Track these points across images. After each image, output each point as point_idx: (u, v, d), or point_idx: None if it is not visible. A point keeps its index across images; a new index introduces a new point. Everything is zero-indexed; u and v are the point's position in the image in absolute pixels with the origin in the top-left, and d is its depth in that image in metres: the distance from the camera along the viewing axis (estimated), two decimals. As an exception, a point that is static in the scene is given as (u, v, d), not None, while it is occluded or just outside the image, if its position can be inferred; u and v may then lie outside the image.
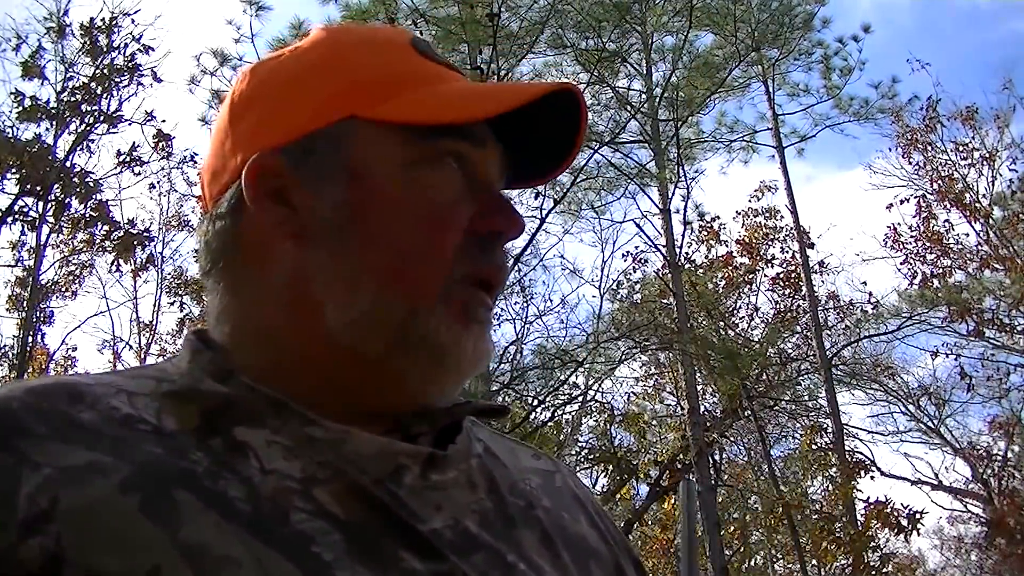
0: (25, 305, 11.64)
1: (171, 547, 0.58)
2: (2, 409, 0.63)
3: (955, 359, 16.42)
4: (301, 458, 0.66)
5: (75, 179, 11.50)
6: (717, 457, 12.75)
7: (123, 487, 0.60)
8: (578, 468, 12.64)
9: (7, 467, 0.60)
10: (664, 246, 11.97)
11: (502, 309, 12.57)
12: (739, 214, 16.17)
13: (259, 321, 0.73)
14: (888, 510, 11.99)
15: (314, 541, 0.61)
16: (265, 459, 0.65)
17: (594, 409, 12.76)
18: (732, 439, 14.53)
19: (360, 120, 0.73)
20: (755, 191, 16.23)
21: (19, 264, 11.97)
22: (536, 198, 10.26)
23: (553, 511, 0.76)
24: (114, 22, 11.83)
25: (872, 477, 14.98)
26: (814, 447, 14.26)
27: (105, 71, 11.73)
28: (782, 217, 15.91)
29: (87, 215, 11.88)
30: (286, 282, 0.72)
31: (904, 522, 11.94)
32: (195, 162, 14.76)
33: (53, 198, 11.31)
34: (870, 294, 16.39)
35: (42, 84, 11.63)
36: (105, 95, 11.74)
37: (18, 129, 11.20)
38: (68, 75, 11.70)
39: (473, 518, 0.69)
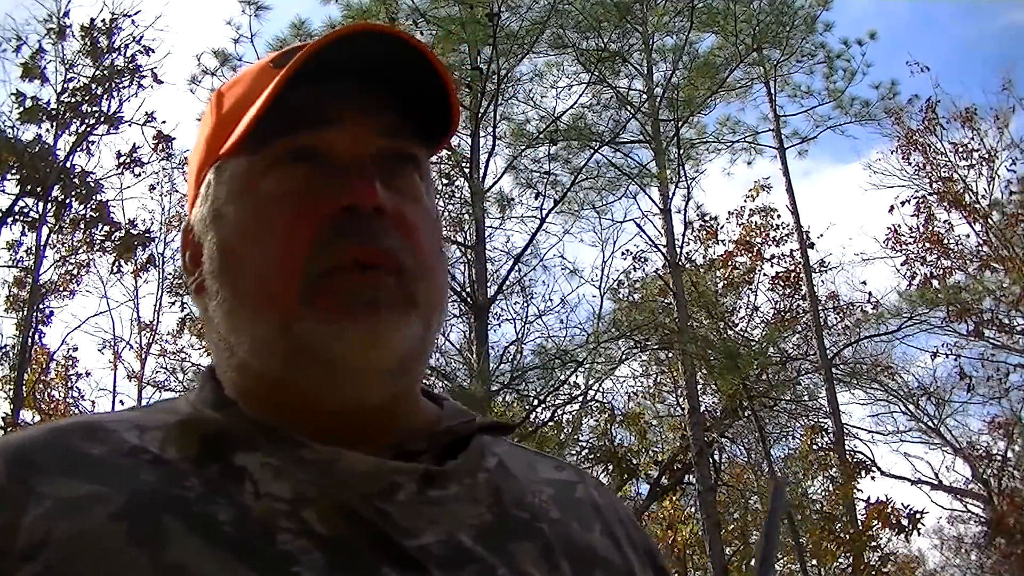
0: (24, 305, 11.64)
1: (152, 571, 0.60)
2: (21, 446, 0.68)
3: (955, 359, 16.46)
4: (291, 480, 0.67)
5: (75, 180, 11.50)
6: (717, 457, 12.75)
7: (113, 516, 0.63)
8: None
9: (16, 499, 0.64)
10: (665, 246, 11.97)
11: (502, 309, 12.61)
12: (731, 214, 16.17)
13: (216, 361, 0.78)
14: (888, 510, 12.00)
15: (296, 561, 0.62)
16: (260, 483, 0.66)
17: (594, 409, 12.76)
18: (732, 439, 14.53)
19: (222, 161, 0.76)
20: (750, 191, 16.24)
21: (18, 264, 11.97)
22: (536, 198, 10.28)
23: (562, 522, 0.75)
24: (114, 23, 11.83)
25: (872, 477, 15.01)
26: (814, 447, 14.26)
27: (105, 72, 11.73)
28: (779, 215, 15.92)
29: (87, 216, 11.88)
30: (210, 330, 0.77)
31: (904, 522, 11.96)
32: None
33: (53, 199, 11.32)
34: (870, 294, 16.42)
35: (42, 85, 11.63)
36: (105, 96, 11.74)
37: (18, 130, 11.22)
38: (68, 76, 11.71)
39: (469, 532, 0.69)
